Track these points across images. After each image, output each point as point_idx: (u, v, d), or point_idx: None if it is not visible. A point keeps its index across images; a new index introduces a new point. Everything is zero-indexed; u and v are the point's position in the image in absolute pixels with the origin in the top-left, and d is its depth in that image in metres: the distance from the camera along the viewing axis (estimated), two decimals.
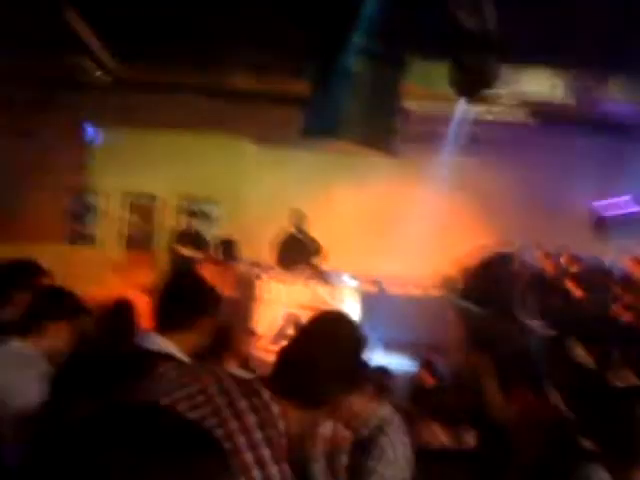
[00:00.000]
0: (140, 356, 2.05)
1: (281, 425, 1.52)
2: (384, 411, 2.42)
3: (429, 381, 5.37)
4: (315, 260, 8.17)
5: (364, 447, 2.32)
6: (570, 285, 7.50)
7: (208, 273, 8.16)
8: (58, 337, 2.53)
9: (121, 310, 3.25)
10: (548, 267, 8.09)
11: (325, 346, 1.70)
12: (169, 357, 2.15)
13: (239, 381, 1.57)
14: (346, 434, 2.40)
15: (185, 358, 2.87)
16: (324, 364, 1.65)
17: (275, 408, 1.53)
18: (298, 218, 8.32)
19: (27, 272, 2.95)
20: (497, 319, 7.01)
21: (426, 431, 4.17)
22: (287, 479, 1.46)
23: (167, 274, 7.85)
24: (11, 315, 2.72)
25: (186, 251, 8.13)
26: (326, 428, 2.47)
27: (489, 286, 7.50)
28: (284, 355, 1.71)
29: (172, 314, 2.31)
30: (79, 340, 2.67)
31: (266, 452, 1.45)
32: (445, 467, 3.04)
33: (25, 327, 2.51)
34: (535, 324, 6.60)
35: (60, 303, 2.61)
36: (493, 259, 8.03)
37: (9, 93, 8.34)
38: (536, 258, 8.09)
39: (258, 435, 1.46)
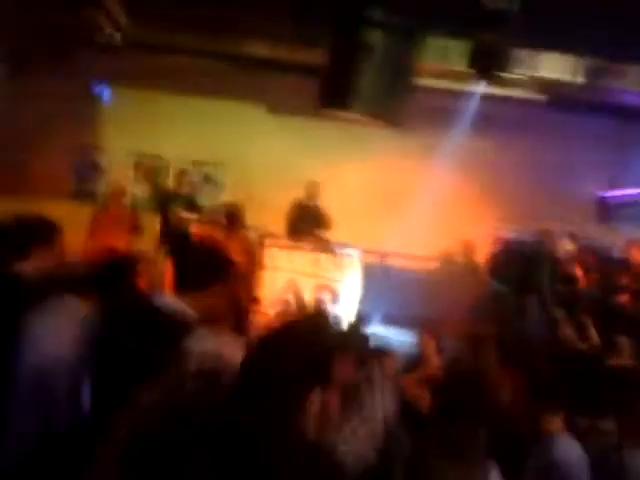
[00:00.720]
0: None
1: None
2: None
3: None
4: (324, 233, 8.22)
5: None
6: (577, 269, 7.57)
7: (205, 235, 8.21)
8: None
9: (123, 265, 3.31)
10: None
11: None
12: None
13: None
14: None
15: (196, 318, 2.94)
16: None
17: None
18: (313, 190, 8.32)
19: (47, 228, 2.99)
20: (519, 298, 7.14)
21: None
22: None
23: (161, 235, 7.90)
24: (32, 268, 2.77)
25: (181, 213, 8.08)
26: None
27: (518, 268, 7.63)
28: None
29: (189, 277, 2.38)
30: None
31: None
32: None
33: None
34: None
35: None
36: (524, 243, 8.15)
37: (23, 46, 8.30)
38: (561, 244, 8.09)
39: None
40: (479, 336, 4.51)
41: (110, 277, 3.03)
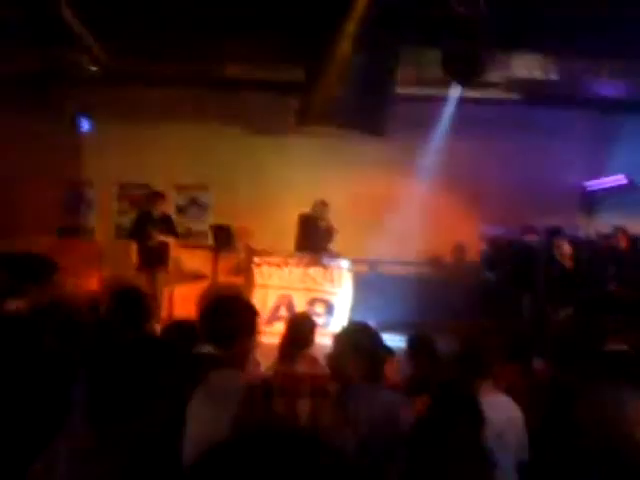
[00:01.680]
0: None
1: None
2: None
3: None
4: (330, 245, 8.31)
5: None
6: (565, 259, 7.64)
7: (183, 256, 8.18)
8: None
9: (134, 297, 3.30)
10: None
11: None
12: None
13: None
14: None
15: None
16: None
17: None
18: (320, 206, 8.40)
19: (46, 267, 2.99)
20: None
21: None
22: None
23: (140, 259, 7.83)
24: (22, 306, 2.76)
25: (160, 237, 8.02)
26: None
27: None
28: None
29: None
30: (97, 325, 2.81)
31: None
32: None
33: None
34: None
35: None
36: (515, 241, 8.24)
37: (4, 88, 8.39)
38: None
39: None
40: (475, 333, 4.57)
41: None
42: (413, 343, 4.38)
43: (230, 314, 2.90)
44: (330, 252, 8.25)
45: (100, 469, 1.75)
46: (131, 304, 3.04)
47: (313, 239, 8.19)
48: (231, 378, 2.69)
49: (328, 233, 8.31)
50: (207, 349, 2.82)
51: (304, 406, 3.24)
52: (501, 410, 3.11)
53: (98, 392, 1.91)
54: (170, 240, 8.02)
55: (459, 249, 9.66)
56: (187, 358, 2.72)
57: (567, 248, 7.65)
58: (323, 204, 8.38)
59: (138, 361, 2.01)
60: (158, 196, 8.41)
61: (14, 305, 2.77)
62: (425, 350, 4.24)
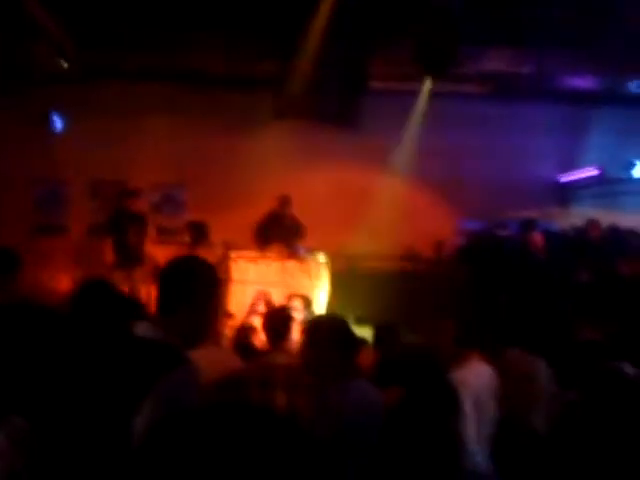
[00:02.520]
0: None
1: None
2: None
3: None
4: (297, 241, 8.27)
5: None
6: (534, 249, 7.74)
7: (159, 253, 8.11)
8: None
9: (98, 289, 3.26)
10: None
11: None
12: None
13: None
14: None
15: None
16: None
17: None
18: (284, 200, 8.37)
19: (9, 261, 2.92)
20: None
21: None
22: None
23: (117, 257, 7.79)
24: None
25: (134, 234, 8.02)
26: None
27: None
28: None
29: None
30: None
31: None
32: None
33: None
34: None
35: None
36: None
37: None
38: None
39: None
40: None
41: None
42: (378, 333, 4.42)
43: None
44: (296, 247, 8.20)
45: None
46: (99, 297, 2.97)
47: (278, 236, 8.17)
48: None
49: (294, 229, 8.28)
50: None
51: (280, 397, 3.24)
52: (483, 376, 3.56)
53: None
54: (145, 238, 8.00)
55: (436, 244, 9.72)
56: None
57: (539, 240, 7.74)
58: (285, 200, 8.35)
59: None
60: (132, 193, 8.44)
61: None
62: (390, 339, 4.27)
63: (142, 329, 2.07)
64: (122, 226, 8.02)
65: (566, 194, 10.19)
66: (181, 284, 2.17)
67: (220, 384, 2.70)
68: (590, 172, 9.52)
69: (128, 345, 2.01)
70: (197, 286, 2.17)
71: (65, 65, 8.26)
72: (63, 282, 8.49)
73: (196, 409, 0.93)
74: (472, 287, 7.61)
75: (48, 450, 1.75)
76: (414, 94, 8.96)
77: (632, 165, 9.31)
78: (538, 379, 3.85)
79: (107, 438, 1.78)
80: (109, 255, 7.98)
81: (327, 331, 3.02)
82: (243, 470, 0.82)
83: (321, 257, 7.87)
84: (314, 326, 3.16)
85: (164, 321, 2.10)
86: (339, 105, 8.15)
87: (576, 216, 9.61)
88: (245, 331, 4.97)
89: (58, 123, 9.56)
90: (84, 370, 1.91)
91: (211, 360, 3.61)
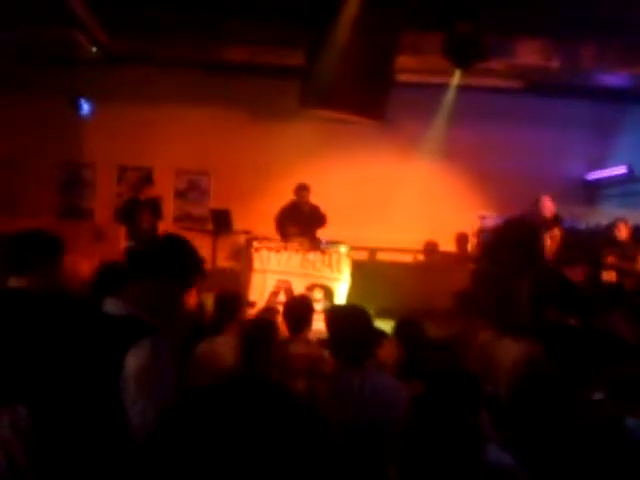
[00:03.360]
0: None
1: None
2: None
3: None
4: (317, 229, 8.26)
5: None
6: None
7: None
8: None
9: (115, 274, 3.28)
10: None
11: None
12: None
13: None
14: None
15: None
16: None
17: None
18: (304, 190, 8.35)
19: (54, 246, 2.90)
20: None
21: None
22: None
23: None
24: (25, 283, 2.58)
25: (147, 220, 8.06)
26: None
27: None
28: None
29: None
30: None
31: None
32: None
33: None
34: None
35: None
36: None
37: (3, 67, 8.35)
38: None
39: None
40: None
41: None
42: (401, 326, 4.38)
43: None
44: (316, 237, 8.18)
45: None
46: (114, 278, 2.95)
47: (297, 225, 8.14)
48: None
49: (313, 217, 8.26)
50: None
51: (300, 386, 3.25)
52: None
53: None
54: (159, 224, 8.05)
55: (458, 237, 9.64)
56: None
57: (557, 234, 7.63)
58: (302, 187, 8.33)
59: None
60: (146, 182, 8.53)
61: (17, 282, 2.67)
62: (412, 334, 4.24)
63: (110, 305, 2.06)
64: (135, 212, 8.07)
65: (593, 192, 10.05)
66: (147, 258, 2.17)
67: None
68: (618, 171, 9.37)
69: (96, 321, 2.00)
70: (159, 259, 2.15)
71: (94, 50, 8.30)
72: (85, 266, 8.57)
73: (210, 386, 0.95)
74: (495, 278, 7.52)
75: (48, 437, 1.77)
76: (443, 87, 8.88)
77: None
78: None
79: (98, 420, 1.80)
80: (123, 241, 8.06)
81: (349, 319, 3.02)
82: (255, 444, 0.84)
83: (343, 248, 7.83)
84: (336, 314, 3.16)
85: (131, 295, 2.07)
86: (365, 96, 8.07)
87: (602, 215, 9.46)
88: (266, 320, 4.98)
89: (86, 108, 9.64)
90: (61, 351, 1.92)
91: (231, 348, 3.63)
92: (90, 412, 1.80)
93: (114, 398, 1.80)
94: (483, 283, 7.66)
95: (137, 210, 8.10)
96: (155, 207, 8.25)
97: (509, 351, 3.80)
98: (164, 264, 2.12)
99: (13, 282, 2.66)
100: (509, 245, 7.95)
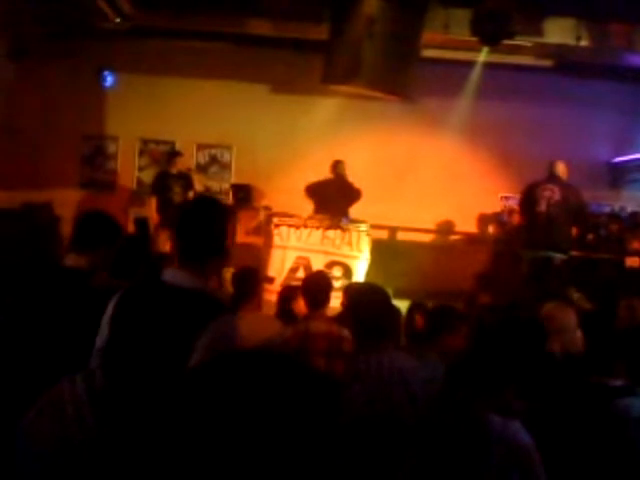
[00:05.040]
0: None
1: None
2: None
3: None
4: (350, 204, 8.28)
5: None
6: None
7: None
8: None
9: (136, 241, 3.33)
10: None
11: None
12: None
13: None
14: None
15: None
16: None
17: None
18: (335, 165, 8.37)
19: (118, 229, 2.97)
20: None
21: None
22: None
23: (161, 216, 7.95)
24: (81, 263, 2.67)
25: (178, 194, 8.13)
26: None
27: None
28: None
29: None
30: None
31: None
32: None
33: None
34: None
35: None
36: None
37: (27, 38, 8.36)
38: None
39: None
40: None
41: None
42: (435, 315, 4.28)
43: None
44: (349, 215, 8.21)
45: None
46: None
47: (331, 200, 8.15)
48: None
49: (349, 193, 8.25)
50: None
51: (319, 364, 3.24)
52: None
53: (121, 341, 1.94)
54: (189, 198, 8.06)
55: (480, 218, 9.57)
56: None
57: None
58: (336, 164, 8.34)
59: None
60: (175, 155, 8.57)
61: (75, 260, 2.73)
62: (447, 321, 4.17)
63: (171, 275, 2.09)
64: (167, 186, 8.12)
65: (619, 176, 9.87)
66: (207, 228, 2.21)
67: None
68: None
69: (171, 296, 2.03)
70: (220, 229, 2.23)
71: (119, 22, 8.28)
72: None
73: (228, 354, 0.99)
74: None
75: (118, 401, 1.80)
76: (469, 64, 8.74)
77: None
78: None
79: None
80: (154, 214, 8.09)
81: (368, 297, 3.01)
82: (267, 411, 0.86)
83: (363, 227, 7.80)
84: (355, 292, 3.15)
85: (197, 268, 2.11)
86: (390, 73, 7.98)
87: (627, 199, 9.32)
88: (287, 297, 4.96)
89: (109, 80, 9.64)
90: (147, 324, 1.97)
91: (251, 327, 3.63)
92: (161, 385, 1.83)
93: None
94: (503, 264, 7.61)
95: (169, 183, 8.16)
96: (187, 180, 8.32)
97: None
98: (221, 244, 2.20)
99: (71, 260, 2.74)
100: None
